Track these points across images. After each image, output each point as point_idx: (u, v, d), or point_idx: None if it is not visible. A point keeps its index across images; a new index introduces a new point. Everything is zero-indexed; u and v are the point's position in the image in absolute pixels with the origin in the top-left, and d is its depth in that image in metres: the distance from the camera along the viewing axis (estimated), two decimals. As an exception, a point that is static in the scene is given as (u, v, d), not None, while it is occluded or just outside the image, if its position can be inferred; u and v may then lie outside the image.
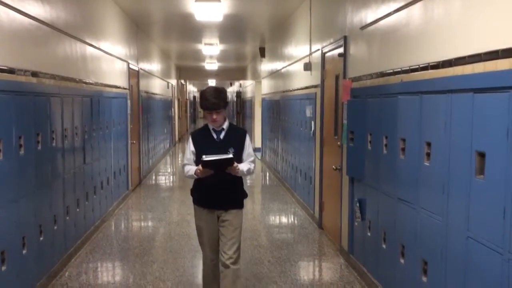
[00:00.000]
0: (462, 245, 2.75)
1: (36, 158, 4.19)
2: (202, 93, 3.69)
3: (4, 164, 3.57)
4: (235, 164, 3.56)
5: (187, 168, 3.75)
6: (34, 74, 4.23)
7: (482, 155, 2.56)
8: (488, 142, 2.52)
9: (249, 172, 3.73)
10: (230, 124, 3.82)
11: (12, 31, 3.93)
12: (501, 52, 2.41)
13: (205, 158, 3.46)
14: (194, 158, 3.74)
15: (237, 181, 3.77)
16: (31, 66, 4.20)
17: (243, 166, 3.69)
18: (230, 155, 3.52)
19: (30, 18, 4.27)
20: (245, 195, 3.86)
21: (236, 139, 3.77)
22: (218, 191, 3.71)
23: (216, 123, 3.69)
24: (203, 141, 3.75)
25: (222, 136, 3.74)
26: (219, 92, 3.71)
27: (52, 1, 4.87)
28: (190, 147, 3.78)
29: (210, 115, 3.66)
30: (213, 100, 3.62)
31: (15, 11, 3.94)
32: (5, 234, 3.61)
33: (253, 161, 3.79)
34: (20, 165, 3.86)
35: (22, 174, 3.90)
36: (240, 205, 3.81)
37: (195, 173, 3.62)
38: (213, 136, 3.74)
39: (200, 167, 3.53)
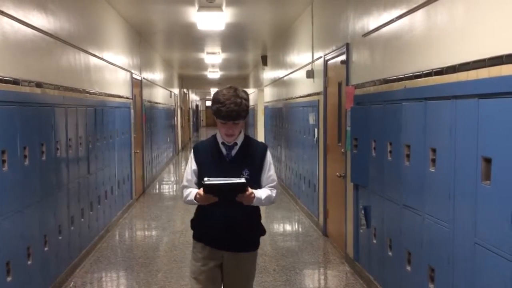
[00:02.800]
0: (469, 252, 2.73)
1: (41, 169, 4.20)
2: (217, 96, 2.75)
3: (9, 174, 3.58)
4: (250, 190, 2.66)
5: (186, 191, 2.86)
6: (39, 84, 4.24)
7: (488, 160, 2.55)
8: (494, 147, 2.51)
9: (269, 201, 2.81)
10: (246, 137, 2.89)
11: (16, 42, 3.95)
12: (505, 57, 2.40)
13: (207, 181, 2.61)
14: (196, 180, 2.85)
15: (253, 211, 2.88)
16: (36, 77, 4.21)
17: (261, 193, 2.77)
18: (242, 180, 2.64)
19: (34, 29, 4.29)
20: (262, 231, 2.96)
21: (253, 157, 2.84)
22: (226, 226, 2.80)
23: (231, 138, 2.80)
24: (209, 158, 2.85)
25: (234, 153, 2.83)
26: (240, 96, 2.72)
27: (56, 12, 4.89)
28: (192, 164, 2.88)
29: (224, 126, 2.75)
30: (232, 106, 2.68)
31: (19, 23, 3.96)
32: (10, 244, 3.61)
33: (275, 186, 2.87)
34: (25, 176, 3.87)
35: (26, 184, 3.91)
36: (255, 246, 2.94)
37: (195, 199, 2.76)
38: (222, 153, 2.83)
39: (201, 191, 2.68)
